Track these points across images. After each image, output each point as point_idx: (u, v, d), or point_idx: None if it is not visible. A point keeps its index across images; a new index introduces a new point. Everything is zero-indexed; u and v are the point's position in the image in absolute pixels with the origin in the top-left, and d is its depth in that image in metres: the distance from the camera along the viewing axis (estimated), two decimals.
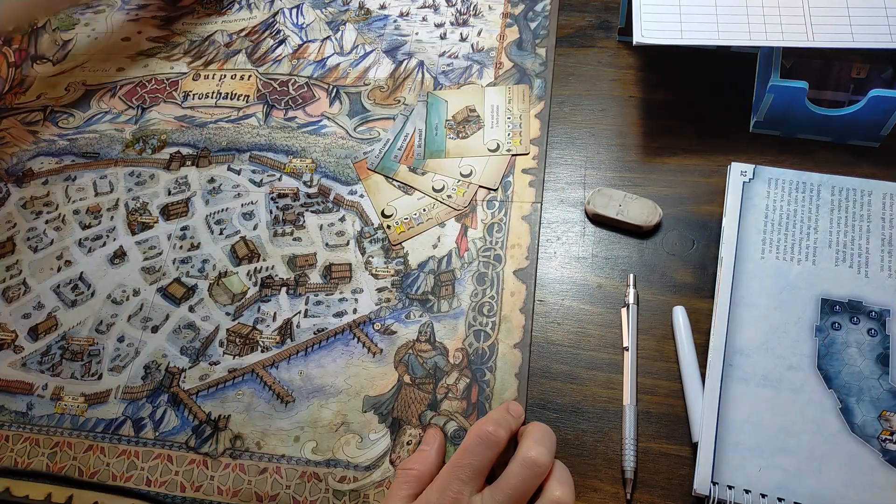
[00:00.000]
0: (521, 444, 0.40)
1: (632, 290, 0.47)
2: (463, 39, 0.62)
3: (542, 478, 0.39)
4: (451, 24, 0.63)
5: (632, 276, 0.48)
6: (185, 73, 0.63)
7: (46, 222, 0.57)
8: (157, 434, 0.47)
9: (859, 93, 0.51)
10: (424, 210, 0.53)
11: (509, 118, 0.56)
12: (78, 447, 0.47)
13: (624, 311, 0.47)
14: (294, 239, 0.53)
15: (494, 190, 0.53)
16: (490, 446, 0.39)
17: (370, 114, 0.58)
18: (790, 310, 0.44)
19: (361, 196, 0.54)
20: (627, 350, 0.46)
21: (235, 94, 0.61)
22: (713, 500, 0.40)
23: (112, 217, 0.56)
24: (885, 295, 0.44)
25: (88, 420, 0.48)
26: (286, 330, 0.49)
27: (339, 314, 0.50)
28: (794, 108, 0.50)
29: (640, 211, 0.50)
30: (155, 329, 0.51)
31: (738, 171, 0.49)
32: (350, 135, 0.58)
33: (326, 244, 0.53)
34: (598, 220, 0.51)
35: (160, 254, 0.54)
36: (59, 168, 0.59)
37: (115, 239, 0.55)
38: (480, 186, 0.53)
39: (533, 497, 0.39)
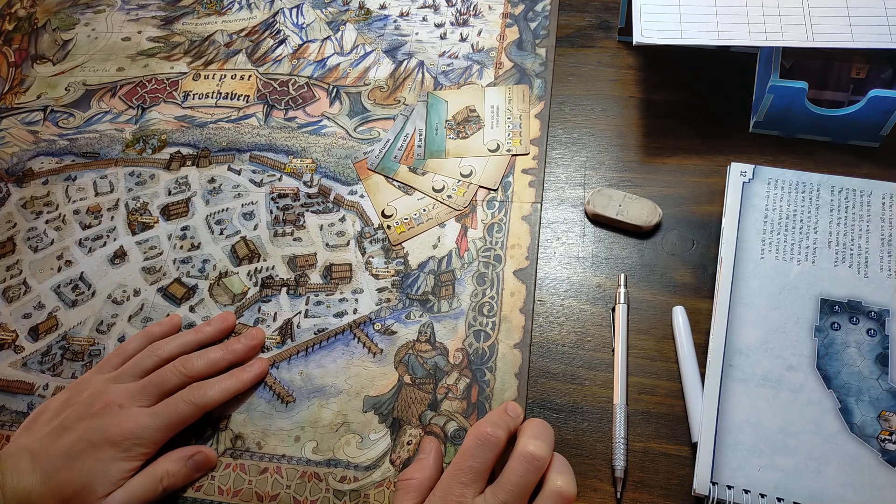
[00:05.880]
0: (519, 440, 0.40)
1: (622, 290, 0.48)
2: (463, 39, 0.62)
3: (541, 471, 0.39)
4: (451, 24, 0.63)
5: (622, 275, 0.48)
6: (185, 73, 0.63)
7: (47, 222, 0.57)
8: None
9: (859, 93, 0.51)
10: (424, 210, 0.53)
11: (509, 118, 0.56)
12: None
13: (615, 311, 0.47)
14: (294, 239, 0.53)
15: (494, 190, 0.53)
16: (489, 448, 0.39)
17: (370, 114, 0.58)
18: (790, 310, 0.44)
19: (361, 196, 0.54)
20: (614, 352, 0.46)
21: (235, 94, 0.61)
22: (712, 500, 0.40)
23: (112, 217, 0.56)
24: (884, 295, 0.44)
25: None
26: (286, 330, 0.50)
27: (339, 314, 0.50)
28: (793, 109, 0.50)
29: (639, 211, 0.50)
30: None
31: (737, 172, 0.49)
32: (350, 135, 0.58)
33: (327, 244, 0.53)
34: (597, 220, 0.51)
35: (160, 254, 0.54)
36: (59, 168, 0.59)
37: (115, 239, 0.55)
38: (480, 187, 0.54)
39: (535, 491, 0.39)
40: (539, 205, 0.52)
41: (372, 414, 0.46)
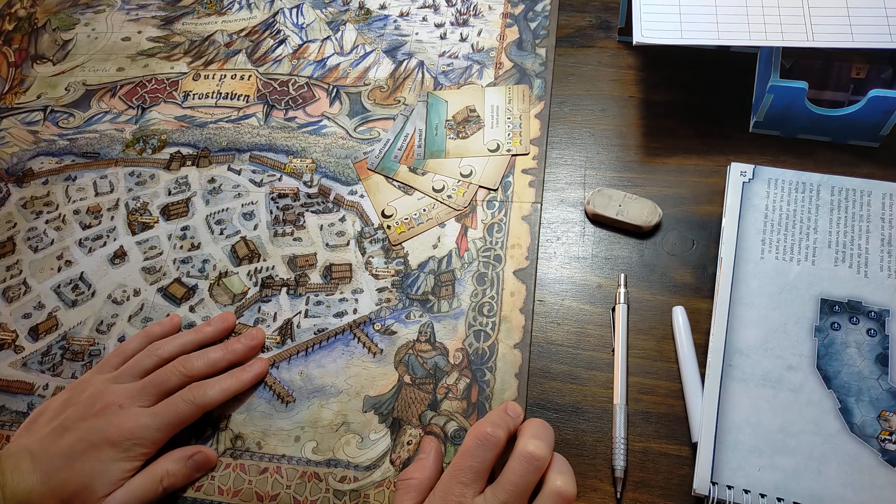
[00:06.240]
0: (519, 440, 0.40)
1: (622, 290, 0.48)
2: (463, 39, 0.62)
3: (541, 471, 0.39)
4: (451, 24, 0.63)
5: (622, 275, 0.48)
6: (185, 73, 0.63)
7: (47, 222, 0.57)
8: None
9: (859, 93, 0.51)
10: (424, 210, 0.53)
11: (509, 118, 0.56)
12: None
13: (615, 311, 0.47)
14: (294, 239, 0.53)
15: (494, 190, 0.53)
16: (489, 447, 0.39)
17: (370, 114, 0.58)
18: (790, 310, 0.44)
19: (361, 196, 0.54)
20: (614, 352, 0.46)
21: (235, 94, 0.61)
22: (712, 500, 0.40)
23: (112, 217, 0.56)
24: (884, 295, 0.44)
25: None
26: (286, 330, 0.50)
27: (339, 314, 0.50)
28: (793, 109, 0.50)
29: (639, 211, 0.50)
30: None
31: (737, 172, 0.49)
32: (350, 135, 0.58)
33: (327, 244, 0.53)
34: (597, 220, 0.51)
35: (160, 254, 0.54)
36: (59, 168, 0.59)
37: (115, 239, 0.55)
38: (480, 186, 0.54)
39: (535, 491, 0.39)
40: (539, 205, 0.52)
41: (372, 414, 0.46)
